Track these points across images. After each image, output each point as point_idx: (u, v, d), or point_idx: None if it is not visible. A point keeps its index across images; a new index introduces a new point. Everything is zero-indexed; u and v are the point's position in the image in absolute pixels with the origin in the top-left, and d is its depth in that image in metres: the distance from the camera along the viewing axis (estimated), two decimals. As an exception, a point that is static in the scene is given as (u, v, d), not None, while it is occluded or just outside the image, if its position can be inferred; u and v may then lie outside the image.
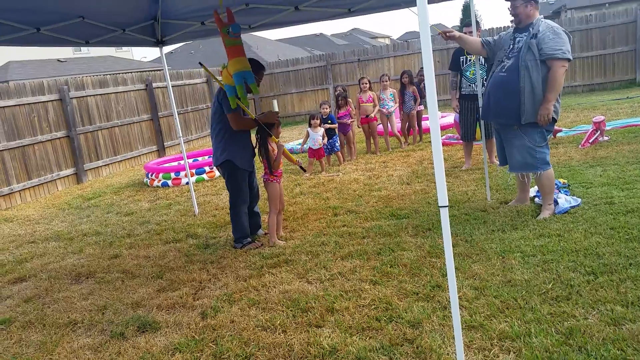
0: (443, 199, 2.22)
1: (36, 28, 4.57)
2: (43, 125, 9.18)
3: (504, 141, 4.50)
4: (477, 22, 5.64)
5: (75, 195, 8.55)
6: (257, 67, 4.53)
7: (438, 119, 2.17)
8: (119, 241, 5.48)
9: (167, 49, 32.74)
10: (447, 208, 2.24)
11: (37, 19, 4.52)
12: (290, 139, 11.68)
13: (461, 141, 7.05)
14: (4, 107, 8.41)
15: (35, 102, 9.04)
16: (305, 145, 7.94)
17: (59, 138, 9.50)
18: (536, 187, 4.72)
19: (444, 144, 8.56)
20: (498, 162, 4.98)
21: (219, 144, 4.59)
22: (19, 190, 8.55)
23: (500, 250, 3.78)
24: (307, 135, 7.84)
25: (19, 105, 8.70)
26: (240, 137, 4.59)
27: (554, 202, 4.47)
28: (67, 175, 9.63)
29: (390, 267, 3.75)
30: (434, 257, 3.85)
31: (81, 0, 4.56)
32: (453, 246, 3.96)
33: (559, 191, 4.80)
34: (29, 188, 8.76)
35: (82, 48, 29.18)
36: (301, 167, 5.10)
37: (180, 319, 3.40)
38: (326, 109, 8.06)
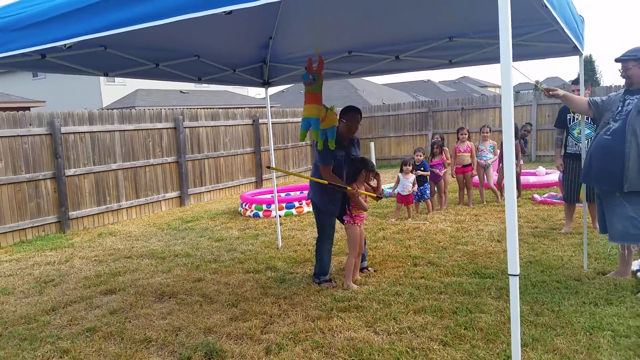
0: (514, 266, 2.07)
1: (155, 63, 5.07)
2: (156, 150, 10.04)
3: (605, 208, 4.15)
4: (588, 80, 5.34)
5: (176, 217, 9.17)
6: (356, 112, 4.69)
7: (514, 176, 2.07)
8: (205, 265, 5.75)
9: (278, 87, 34.49)
10: (517, 277, 2.08)
11: (157, 56, 5.02)
12: (383, 181, 11.64)
13: (563, 202, 6.60)
14: (124, 130, 9.36)
15: (152, 129, 9.95)
16: (395, 190, 7.88)
17: (169, 163, 10.32)
18: (639, 261, 4.28)
19: (544, 203, 8.06)
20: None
21: (312, 183, 4.81)
22: (126, 207, 9.38)
23: (588, 325, 3.44)
24: (398, 181, 7.79)
25: (137, 130, 9.63)
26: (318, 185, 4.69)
27: (661, 281, 4.01)
28: (172, 198, 10.38)
29: (464, 329, 3.56)
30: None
31: (198, 41, 5.00)
32: (537, 315, 3.70)
33: (668, 269, 4.29)
34: (135, 206, 9.57)
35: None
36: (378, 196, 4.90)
37: (246, 350, 3.47)
38: (420, 156, 7.98)
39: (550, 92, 4.27)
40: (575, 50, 4.78)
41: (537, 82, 4.93)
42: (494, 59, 5.26)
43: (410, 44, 5.26)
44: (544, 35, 4.55)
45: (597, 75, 57.20)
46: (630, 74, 3.98)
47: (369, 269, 5.12)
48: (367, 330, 3.66)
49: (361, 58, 5.65)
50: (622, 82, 4.19)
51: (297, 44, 5.61)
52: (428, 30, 4.99)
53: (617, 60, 4.08)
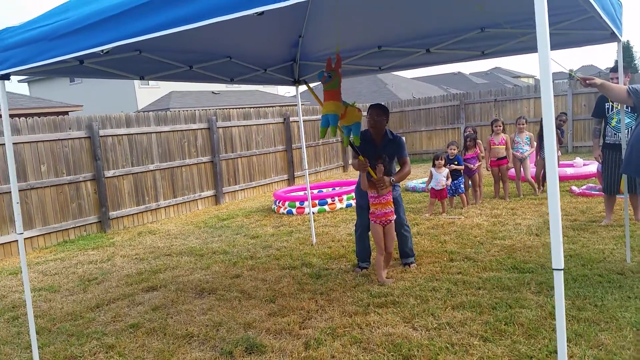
0: (558, 261, 2.04)
1: (189, 66, 5.17)
2: (191, 150, 10.23)
3: (648, 199, 4.03)
4: (626, 67, 5.17)
5: (212, 215, 9.33)
6: (372, 107, 4.99)
7: (557, 167, 2.03)
8: (242, 262, 5.85)
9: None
10: (562, 272, 2.04)
11: (190, 58, 5.11)
12: (415, 176, 11.56)
13: (602, 193, 6.43)
14: (160, 132, 9.58)
15: (187, 130, 10.15)
16: (428, 185, 7.82)
17: (204, 162, 10.50)
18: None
19: (583, 195, 7.86)
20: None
21: None
22: (164, 207, 9.61)
23: (635, 320, 3.35)
24: (431, 176, 7.72)
25: (173, 131, 9.84)
26: (358, 176, 4.97)
27: None
28: (208, 196, 10.57)
29: (504, 325, 3.52)
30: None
31: (230, 43, 5.07)
32: (579, 310, 3.62)
33: None
34: (173, 205, 9.79)
35: (233, 81, 31.86)
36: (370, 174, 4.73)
37: (285, 345, 3.52)
38: (453, 149, 7.89)
39: (587, 81, 4.16)
40: (613, 37, 4.63)
41: (571, 70, 4.82)
42: (528, 48, 5.15)
43: (441, 36, 5.19)
44: (580, 22, 4.42)
45: (636, 62, 55.16)
46: None
47: (411, 265, 5.11)
48: (405, 326, 3.66)
49: (391, 53, 5.61)
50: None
51: (326, 42, 5.62)
52: (459, 22, 4.92)
53: None
